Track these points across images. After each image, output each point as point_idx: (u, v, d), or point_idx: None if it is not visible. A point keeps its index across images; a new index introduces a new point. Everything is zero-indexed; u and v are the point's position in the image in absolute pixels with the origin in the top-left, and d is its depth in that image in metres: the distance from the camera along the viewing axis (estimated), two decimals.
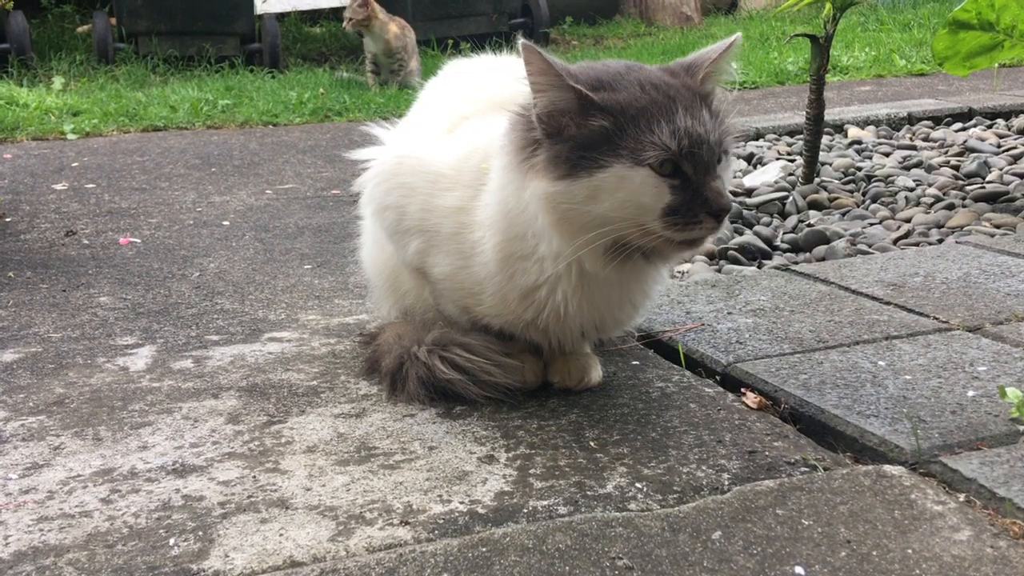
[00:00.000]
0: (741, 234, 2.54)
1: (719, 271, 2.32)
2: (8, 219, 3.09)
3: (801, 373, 1.57)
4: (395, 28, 6.19)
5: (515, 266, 1.46)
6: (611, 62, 1.44)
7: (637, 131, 1.31)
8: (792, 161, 3.27)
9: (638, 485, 1.27)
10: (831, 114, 3.77)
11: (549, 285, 1.46)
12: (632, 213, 1.32)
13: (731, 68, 1.44)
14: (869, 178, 3.02)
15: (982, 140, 3.41)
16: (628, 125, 1.31)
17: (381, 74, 6.21)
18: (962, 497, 1.20)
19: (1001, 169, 2.97)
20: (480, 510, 1.23)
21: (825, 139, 3.51)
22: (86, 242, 2.79)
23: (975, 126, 3.74)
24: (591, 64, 1.44)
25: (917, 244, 2.38)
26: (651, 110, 1.32)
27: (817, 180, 2.95)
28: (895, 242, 2.41)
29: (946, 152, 3.31)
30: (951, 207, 2.65)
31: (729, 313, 1.88)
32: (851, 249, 2.36)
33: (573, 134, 1.33)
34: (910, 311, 1.83)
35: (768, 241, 2.50)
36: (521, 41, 1.33)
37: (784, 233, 2.57)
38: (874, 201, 2.78)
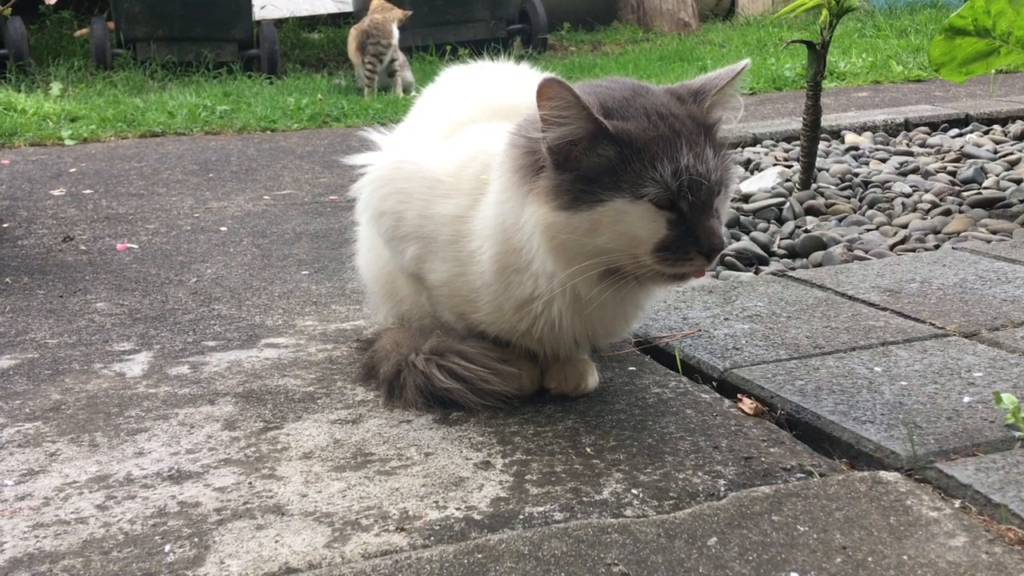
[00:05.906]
0: (738, 240, 2.54)
1: (716, 277, 2.32)
2: (5, 225, 3.09)
3: (797, 379, 1.57)
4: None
5: (511, 278, 1.46)
6: (615, 83, 1.42)
7: (640, 165, 1.30)
8: (789, 167, 3.28)
9: (634, 491, 1.27)
10: (828, 120, 3.77)
11: (544, 299, 1.46)
12: (626, 244, 1.33)
13: (738, 95, 1.43)
14: (866, 184, 3.02)
15: (979, 146, 3.41)
16: (632, 158, 1.31)
17: (378, 76, 6.12)
18: (957, 503, 1.20)
19: (997, 175, 2.98)
20: (476, 516, 1.23)
21: (822, 145, 3.52)
22: (83, 248, 2.79)
23: (972, 132, 3.74)
24: (593, 86, 1.42)
25: (914, 250, 2.38)
26: (656, 144, 1.31)
27: (814, 186, 2.95)
28: (892, 248, 2.42)
29: (943, 158, 3.32)
30: (948, 213, 2.65)
31: (726, 319, 1.88)
32: (848, 255, 2.36)
33: (579, 164, 1.33)
34: (906, 317, 1.83)
35: (765, 247, 2.50)
36: (545, 76, 1.30)
37: (781, 239, 2.58)
38: (871, 207, 2.78)
